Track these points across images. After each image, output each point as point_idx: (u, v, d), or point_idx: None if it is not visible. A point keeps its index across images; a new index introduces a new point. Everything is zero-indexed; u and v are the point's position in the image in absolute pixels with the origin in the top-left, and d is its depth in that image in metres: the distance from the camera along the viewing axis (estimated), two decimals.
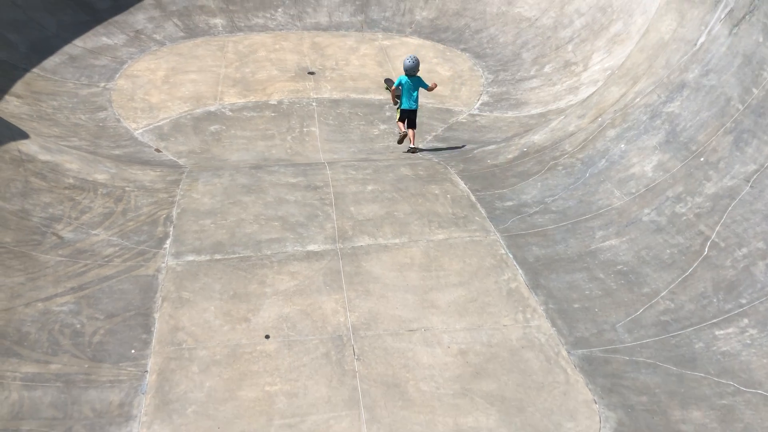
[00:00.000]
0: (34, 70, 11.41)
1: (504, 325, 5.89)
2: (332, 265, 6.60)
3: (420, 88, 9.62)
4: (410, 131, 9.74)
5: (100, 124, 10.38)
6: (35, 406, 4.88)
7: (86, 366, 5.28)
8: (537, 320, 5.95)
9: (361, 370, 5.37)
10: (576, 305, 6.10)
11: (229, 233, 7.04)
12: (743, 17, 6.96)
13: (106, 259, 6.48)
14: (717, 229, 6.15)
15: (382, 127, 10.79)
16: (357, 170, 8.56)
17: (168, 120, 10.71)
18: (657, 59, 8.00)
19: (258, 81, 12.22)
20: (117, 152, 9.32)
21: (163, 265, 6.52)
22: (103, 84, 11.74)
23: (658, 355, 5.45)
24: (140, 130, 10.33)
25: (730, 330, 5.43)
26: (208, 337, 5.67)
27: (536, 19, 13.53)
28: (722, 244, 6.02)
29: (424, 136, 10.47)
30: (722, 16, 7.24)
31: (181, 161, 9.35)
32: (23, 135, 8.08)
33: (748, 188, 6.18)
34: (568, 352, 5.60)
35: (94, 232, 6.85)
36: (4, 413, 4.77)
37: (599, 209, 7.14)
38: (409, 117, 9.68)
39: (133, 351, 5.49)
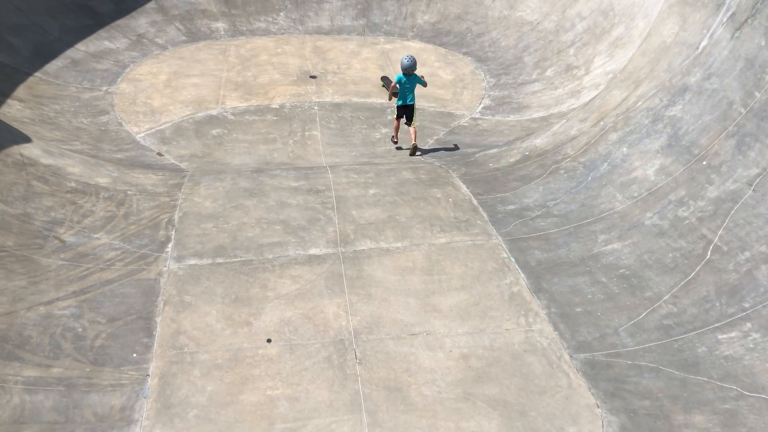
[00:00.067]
0: (37, 73, 11.43)
1: (506, 329, 5.88)
2: (334, 268, 6.60)
3: (417, 84, 9.89)
4: (411, 129, 9.86)
5: (102, 128, 10.39)
6: (37, 410, 4.87)
7: (88, 370, 5.28)
8: (539, 324, 5.94)
9: (362, 374, 5.36)
10: (578, 309, 6.09)
11: (230, 237, 7.04)
12: (745, 21, 6.96)
13: (108, 263, 6.48)
14: (720, 232, 6.14)
15: (384, 130, 10.79)
16: (359, 174, 8.56)
17: (170, 124, 10.72)
18: (659, 63, 8.00)
19: (260, 85, 12.23)
20: (119, 156, 9.32)
21: (165, 268, 6.52)
22: (105, 88, 11.76)
23: (661, 359, 5.44)
24: (142, 134, 10.34)
25: (733, 334, 5.42)
26: (209, 341, 5.67)
27: (538, 23, 13.53)
28: (725, 248, 6.01)
29: (426, 140, 10.47)
30: (724, 20, 7.24)
31: (182, 165, 9.35)
32: (25, 139, 8.09)
33: (750, 192, 6.17)
34: (571, 356, 5.59)
35: (95, 235, 6.85)
36: (5, 417, 4.76)
37: (601, 213, 7.13)
38: (406, 113, 9.88)
39: (134, 355, 5.49)
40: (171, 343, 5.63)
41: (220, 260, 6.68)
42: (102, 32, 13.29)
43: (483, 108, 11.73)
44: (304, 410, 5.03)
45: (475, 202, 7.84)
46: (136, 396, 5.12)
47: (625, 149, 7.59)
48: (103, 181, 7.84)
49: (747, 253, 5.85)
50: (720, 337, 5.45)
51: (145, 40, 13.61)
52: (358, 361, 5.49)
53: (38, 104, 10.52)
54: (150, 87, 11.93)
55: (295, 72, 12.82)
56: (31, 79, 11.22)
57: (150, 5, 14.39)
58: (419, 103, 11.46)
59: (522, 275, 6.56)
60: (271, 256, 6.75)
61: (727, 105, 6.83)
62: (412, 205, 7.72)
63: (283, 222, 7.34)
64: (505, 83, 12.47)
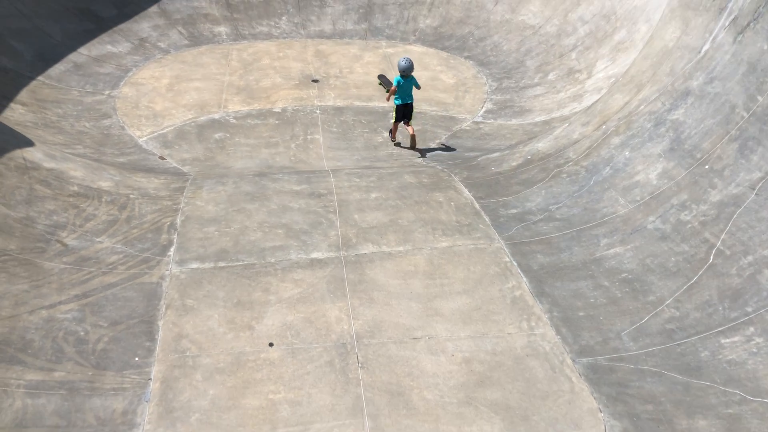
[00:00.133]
0: (40, 78, 11.46)
1: (508, 333, 5.87)
2: (336, 272, 6.59)
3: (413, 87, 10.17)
4: (409, 128, 10.12)
5: (105, 132, 10.40)
6: (39, 413, 4.87)
7: (90, 374, 5.28)
8: (541, 328, 5.93)
9: (365, 378, 5.36)
10: (581, 313, 6.08)
11: (233, 241, 7.04)
12: (748, 25, 6.95)
13: (110, 267, 6.48)
14: (722, 236, 6.13)
15: (386, 134, 10.79)
16: (361, 178, 8.56)
17: (172, 128, 10.73)
18: (661, 67, 8.00)
19: (262, 89, 12.25)
20: (121, 160, 9.34)
21: (167, 272, 6.52)
22: (107, 92, 11.78)
23: (664, 363, 5.43)
24: (144, 138, 10.35)
25: (736, 338, 5.41)
26: (211, 344, 5.66)
27: (540, 27, 13.54)
28: (728, 252, 6.00)
29: (428, 143, 10.48)
30: (726, 24, 7.24)
31: (185, 169, 9.36)
32: (28, 143, 8.10)
33: (753, 196, 6.16)
34: (573, 361, 5.58)
35: (98, 239, 6.85)
36: (7, 421, 4.76)
37: (604, 217, 7.12)
38: (405, 112, 10.09)
39: (136, 359, 5.48)
40: (173, 346, 5.63)
41: (222, 264, 6.68)
42: (105, 36, 13.33)
43: (485, 112, 11.74)
44: (306, 414, 5.02)
45: (477, 205, 7.84)
46: (138, 400, 5.11)
47: (627, 153, 7.59)
48: (105, 184, 7.85)
49: (750, 257, 5.84)
50: (723, 341, 5.44)
51: (147, 44, 13.64)
52: (360, 365, 5.49)
53: (41, 108, 10.54)
54: (152, 91, 11.95)
55: (297, 76, 12.84)
56: (33, 83, 11.25)
57: (152, 9, 14.42)
58: (421, 107, 11.48)
59: (524, 279, 6.55)
60: (273, 260, 6.75)
61: (729, 109, 6.83)
62: (414, 209, 7.72)
63: (285, 226, 7.35)
64: (507, 87, 12.48)
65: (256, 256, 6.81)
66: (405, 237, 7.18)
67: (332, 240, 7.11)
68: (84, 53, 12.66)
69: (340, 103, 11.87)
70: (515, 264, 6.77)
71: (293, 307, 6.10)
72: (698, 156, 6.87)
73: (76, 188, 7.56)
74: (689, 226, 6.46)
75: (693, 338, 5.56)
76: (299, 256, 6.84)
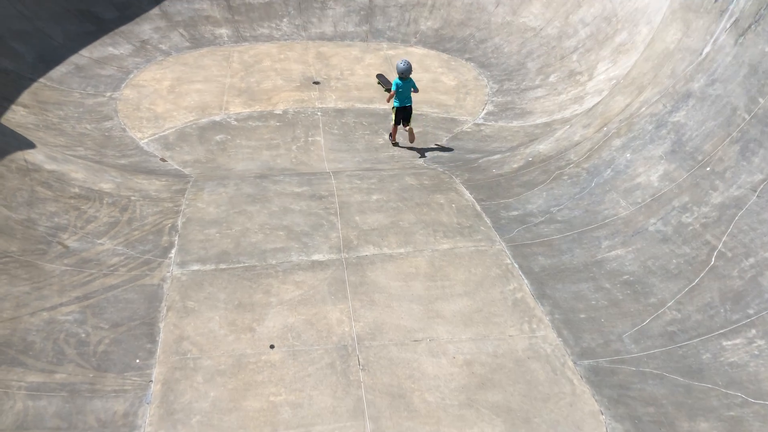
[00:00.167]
0: (41, 79, 11.47)
1: (510, 336, 5.86)
2: (337, 274, 6.59)
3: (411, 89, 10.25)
4: (408, 129, 10.20)
5: (106, 134, 10.41)
6: (40, 415, 4.87)
7: (91, 375, 5.28)
8: (543, 330, 5.92)
9: (366, 380, 5.35)
10: (582, 315, 6.07)
11: (234, 243, 7.04)
12: (749, 27, 6.95)
13: (112, 269, 6.48)
14: (724, 239, 6.12)
15: (387, 136, 10.80)
16: (362, 180, 8.56)
17: (173, 129, 10.74)
18: (662, 69, 8.00)
19: (263, 91, 12.26)
20: (122, 162, 9.34)
21: (168, 274, 6.52)
22: (109, 94, 11.79)
23: (665, 365, 5.42)
24: (146, 140, 10.36)
25: (737, 341, 5.40)
26: (212, 346, 5.66)
27: (541, 29, 13.55)
28: (729, 254, 5.99)
29: (429, 145, 10.48)
30: (728, 26, 7.24)
31: (186, 171, 9.36)
32: (29, 144, 8.11)
33: (754, 198, 6.15)
34: (575, 363, 5.57)
35: (99, 241, 6.85)
36: (8, 423, 4.76)
37: (605, 219, 7.12)
38: (404, 114, 10.17)
39: (137, 361, 5.48)
40: (174, 348, 5.63)
41: (223, 266, 6.68)
42: (106, 38, 13.34)
43: (486, 114, 11.74)
44: (307, 416, 5.02)
45: (478, 207, 7.83)
46: (139, 402, 5.11)
47: (628, 155, 7.59)
48: (106, 186, 7.85)
49: (751, 260, 5.83)
50: (724, 343, 5.43)
51: (148, 46, 13.65)
52: (361, 367, 5.48)
53: (42, 110, 10.55)
54: (153, 93, 11.96)
55: (298, 78, 12.85)
56: (35, 85, 11.26)
57: (154, 11, 14.44)
58: (422, 109, 11.49)
59: (525, 281, 6.54)
60: (274, 262, 6.75)
61: (730, 111, 6.82)
62: (416, 211, 7.72)
63: (287, 228, 7.35)
64: (508, 89, 12.48)
65: (257, 258, 6.81)
66: (406, 239, 7.18)
67: (333, 242, 7.11)
68: (85, 55, 12.68)
69: (341, 105, 11.88)
70: (516, 266, 6.77)
71: (294, 309, 6.10)
72: (699, 158, 6.87)
73: (77, 190, 7.57)
74: (690, 228, 6.45)
75: (694, 340, 5.55)
76: (300, 258, 6.83)
